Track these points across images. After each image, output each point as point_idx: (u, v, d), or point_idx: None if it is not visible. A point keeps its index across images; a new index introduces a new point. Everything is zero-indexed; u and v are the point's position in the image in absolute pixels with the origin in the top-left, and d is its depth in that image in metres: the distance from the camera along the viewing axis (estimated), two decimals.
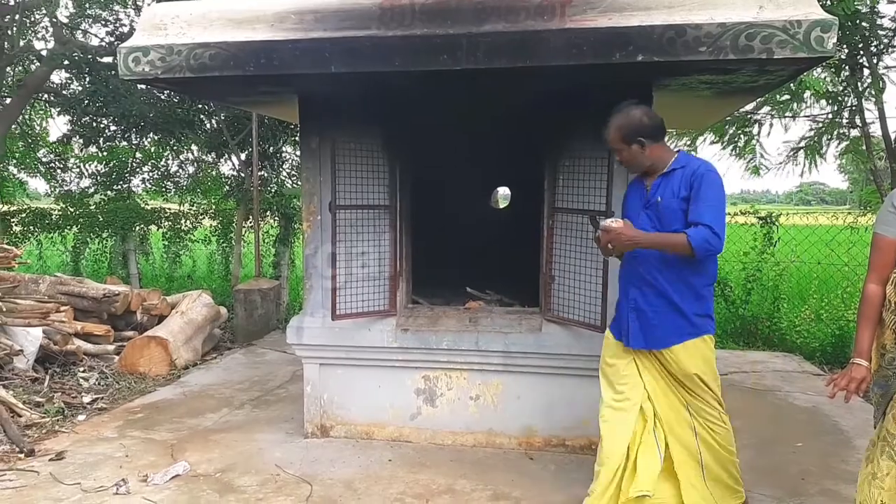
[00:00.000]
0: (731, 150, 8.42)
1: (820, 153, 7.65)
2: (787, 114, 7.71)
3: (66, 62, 9.25)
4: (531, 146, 4.50)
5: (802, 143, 7.69)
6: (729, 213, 7.86)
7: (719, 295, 7.82)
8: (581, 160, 4.05)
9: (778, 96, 7.22)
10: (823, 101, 7.33)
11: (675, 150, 3.29)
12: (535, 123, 4.19)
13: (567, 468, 4.09)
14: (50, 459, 4.17)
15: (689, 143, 9.24)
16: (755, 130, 8.19)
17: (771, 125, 8.10)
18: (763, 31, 3.09)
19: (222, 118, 10.01)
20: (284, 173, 11.09)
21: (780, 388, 5.79)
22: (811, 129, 7.60)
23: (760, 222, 7.69)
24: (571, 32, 3.25)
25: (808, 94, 7.27)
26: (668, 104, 4.54)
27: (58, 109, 11.12)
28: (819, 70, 7.17)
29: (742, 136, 8.21)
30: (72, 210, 10.38)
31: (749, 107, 7.50)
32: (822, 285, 7.91)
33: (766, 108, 7.93)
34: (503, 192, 7.18)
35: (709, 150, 9.03)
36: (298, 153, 9.30)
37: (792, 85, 6.60)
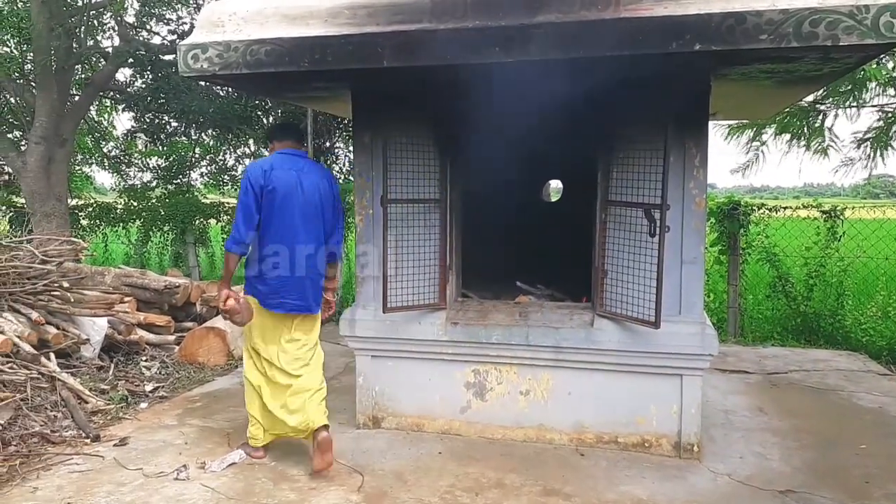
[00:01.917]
0: (798, 141, 8.11)
1: (889, 143, 7.29)
2: (851, 103, 7.37)
3: (130, 60, 9.57)
4: (585, 139, 4.44)
5: (870, 134, 7.34)
6: (790, 207, 7.61)
7: (780, 291, 7.58)
8: (636, 152, 3.98)
9: (839, 87, 6.91)
10: (892, 90, 6.98)
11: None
12: (589, 115, 4.13)
13: (619, 465, 4.03)
14: (114, 445, 4.34)
15: (753, 136, 8.92)
16: (818, 121, 7.87)
17: (836, 115, 7.76)
18: (828, 17, 2.97)
19: (279, 114, 10.19)
20: (338, 169, 11.24)
21: (843, 388, 5.58)
22: (879, 119, 7.24)
23: (824, 216, 7.40)
24: (626, 22, 3.19)
25: (873, 83, 6.95)
26: (726, 94, 4.43)
27: (122, 106, 11.52)
28: (888, 57, 6.84)
29: (806, 126, 7.90)
30: (135, 204, 10.74)
31: (811, 97, 7.22)
32: (891, 281, 7.57)
33: (830, 99, 7.61)
34: (555, 185, 7.10)
35: (775, 142, 8.66)
36: (352, 148, 9.40)
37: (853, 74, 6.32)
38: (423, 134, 4.35)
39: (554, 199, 7.18)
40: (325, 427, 3.89)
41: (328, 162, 10.75)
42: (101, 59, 10.10)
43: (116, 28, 9.86)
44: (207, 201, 10.88)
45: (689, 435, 4.13)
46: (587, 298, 4.56)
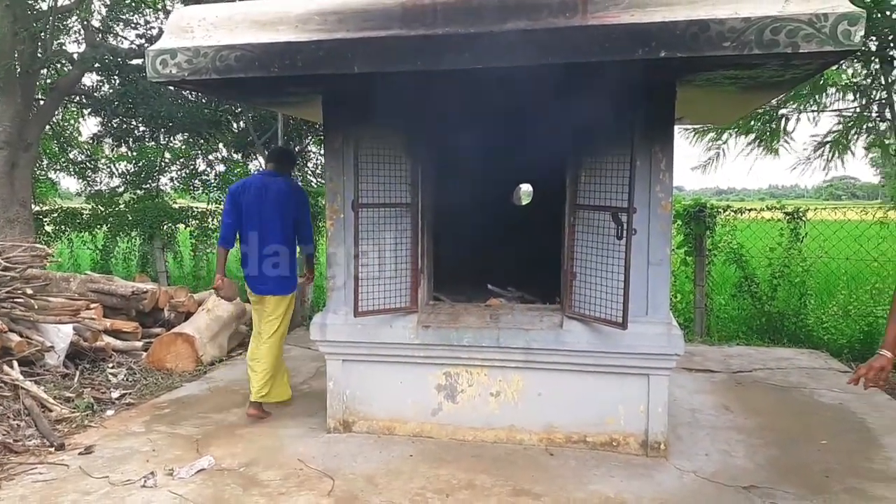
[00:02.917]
0: (758, 143, 8.32)
1: (847, 147, 7.51)
2: (812, 108, 7.59)
3: (97, 65, 9.43)
4: (555, 143, 4.50)
5: (829, 138, 7.56)
6: (755, 209, 7.78)
7: (745, 291, 7.74)
8: (603, 157, 4.05)
9: (801, 91, 7.12)
10: (851, 95, 7.20)
11: None
12: (559, 120, 4.19)
13: (588, 464, 4.09)
14: (79, 453, 4.27)
15: (715, 136, 9.14)
16: (782, 125, 8.08)
17: (798, 119, 7.98)
18: (788, 25, 3.06)
19: (249, 118, 10.13)
20: (309, 172, 11.19)
21: (805, 385, 5.73)
22: (839, 123, 7.47)
23: (787, 217, 7.59)
24: (593, 29, 3.25)
25: (832, 89, 7.17)
26: (691, 99, 4.52)
27: (89, 111, 11.34)
28: (846, 63, 7.04)
29: (768, 130, 8.11)
30: (102, 209, 10.57)
31: (774, 102, 7.41)
32: (851, 281, 7.77)
33: (792, 104, 7.81)
34: (525, 188, 7.17)
35: (736, 142, 8.96)
36: (323, 152, 9.37)
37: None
38: (394, 138, 4.37)
39: (524, 202, 7.24)
40: (257, 404, 4.86)
41: (299, 166, 10.68)
42: (67, 64, 9.95)
43: (83, 32, 9.72)
44: (177, 206, 10.75)
45: (656, 434, 4.20)
46: (557, 300, 4.62)
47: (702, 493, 3.72)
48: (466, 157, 5.35)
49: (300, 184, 10.02)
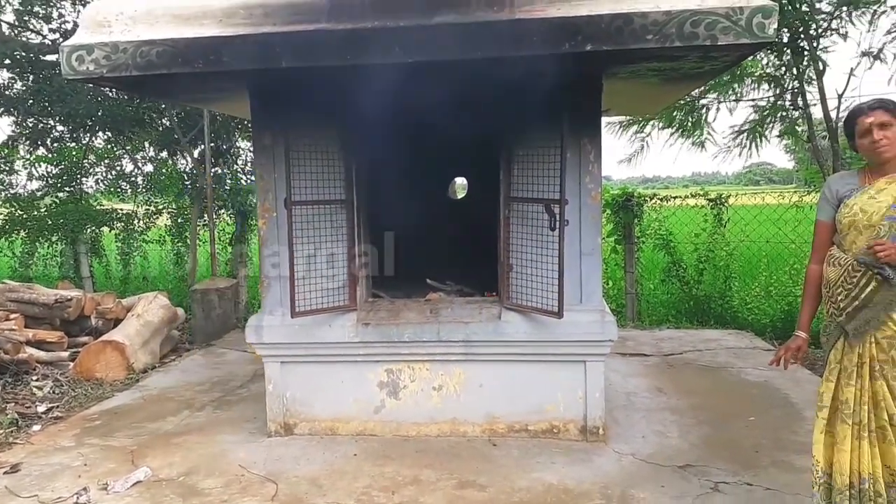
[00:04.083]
0: (681, 133, 8.63)
1: (763, 135, 7.87)
2: (731, 97, 7.91)
3: (6, 61, 8.94)
4: (487, 137, 4.54)
5: (746, 126, 7.90)
6: (679, 196, 8.06)
7: (673, 276, 8.01)
8: (534, 150, 4.11)
9: (720, 82, 7.41)
10: (766, 85, 7.52)
11: None
12: (490, 114, 4.22)
13: (530, 453, 4.16)
14: (4, 472, 4.07)
15: (639, 129, 9.41)
16: (703, 115, 8.39)
17: (718, 109, 8.30)
18: (707, 19, 3.18)
19: (174, 115, 9.80)
20: (239, 169, 10.92)
21: (732, 365, 5.97)
22: (755, 112, 7.81)
23: (710, 204, 7.89)
24: (521, 23, 3.29)
25: (749, 79, 7.48)
26: (617, 91, 4.62)
27: (0, 110, 10.74)
28: (762, 55, 7.35)
29: (690, 120, 8.41)
30: (18, 214, 10.06)
31: (695, 92, 7.68)
32: (771, 263, 8.16)
33: (712, 94, 8.11)
34: (460, 181, 7.21)
35: (659, 135, 9.31)
36: (252, 149, 9.17)
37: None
38: (326, 134, 4.31)
39: (460, 195, 7.28)
40: None
41: (228, 163, 10.42)
42: None
43: None
44: (102, 208, 10.32)
45: (594, 419, 4.31)
46: (495, 292, 4.67)
47: (640, 475, 3.84)
48: (401, 151, 5.34)
49: (230, 181, 9.82)
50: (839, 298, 2.71)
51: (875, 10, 6.34)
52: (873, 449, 2.65)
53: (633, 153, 9.86)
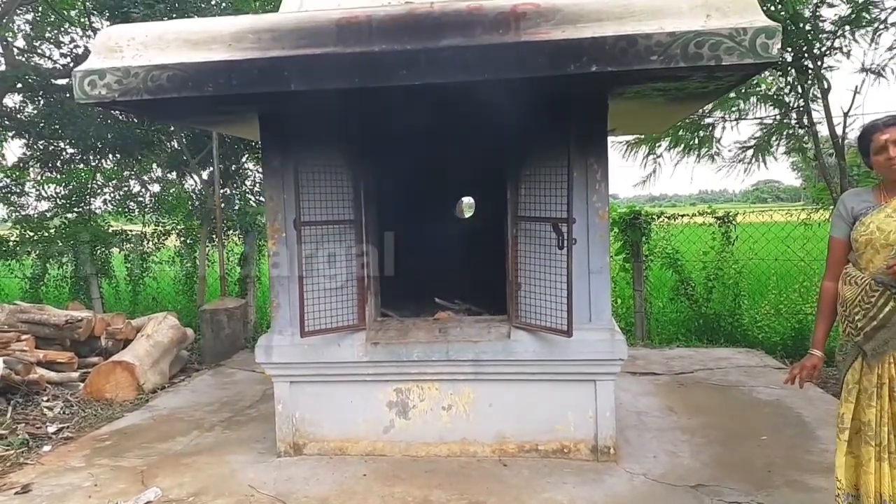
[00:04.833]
0: (688, 151, 8.63)
1: (770, 152, 7.89)
2: (734, 116, 7.94)
3: (18, 85, 9.08)
4: (495, 157, 4.57)
5: (752, 143, 7.92)
6: (687, 214, 8.05)
7: (682, 294, 7.99)
8: (542, 169, 4.13)
9: (726, 100, 7.45)
10: (772, 104, 7.54)
11: None
12: (497, 135, 4.26)
13: (540, 472, 4.13)
14: (16, 493, 4.07)
15: (649, 150, 9.40)
16: (709, 132, 8.41)
17: (723, 128, 8.32)
18: (711, 39, 3.20)
19: (183, 137, 9.90)
20: (248, 190, 10.99)
21: (744, 384, 5.93)
22: (761, 129, 7.83)
23: (718, 222, 7.89)
24: (526, 45, 3.32)
25: (754, 98, 7.51)
26: (623, 112, 4.65)
27: (12, 133, 10.88)
28: (766, 74, 7.38)
29: (696, 139, 8.43)
30: (29, 235, 10.14)
31: (700, 111, 7.71)
32: (780, 281, 8.13)
33: (718, 112, 8.14)
34: (467, 201, 7.24)
35: (670, 154, 9.28)
36: (262, 171, 9.24)
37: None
38: (334, 155, 4.35)
39: (467, 215, 7.31)
40: None
41: (237, 184, 10.50)
42: None
43: (2, 51, 9.35)
44: (111, 229, 10.40)
45: (605, 438, 4.29)
46: (504, 311, 4.67)
47: (652, 495, 3.81)
48: (408, 172, 5.38)
49: (239, 202, 9.89)
50: (857, 318, 2.69)
51: (876, 28, 6.37)
52: (893, 471, 2.62)
53: (647, 176, 9.76)
